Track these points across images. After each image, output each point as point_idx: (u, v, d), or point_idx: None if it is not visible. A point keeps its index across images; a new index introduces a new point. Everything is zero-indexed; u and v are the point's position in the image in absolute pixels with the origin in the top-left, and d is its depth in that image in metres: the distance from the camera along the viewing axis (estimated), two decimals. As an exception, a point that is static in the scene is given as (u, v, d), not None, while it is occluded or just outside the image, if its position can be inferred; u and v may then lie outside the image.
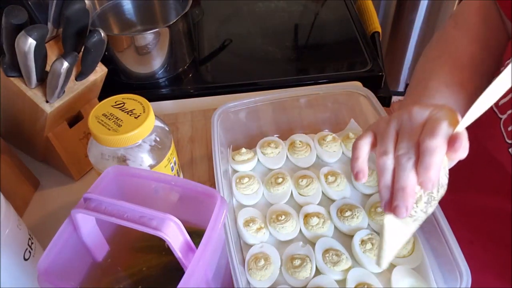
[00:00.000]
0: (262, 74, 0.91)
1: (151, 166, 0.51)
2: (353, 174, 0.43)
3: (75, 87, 0.59)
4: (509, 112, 0.50)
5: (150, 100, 0.51)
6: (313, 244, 0.54)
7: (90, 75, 0.60)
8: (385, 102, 0.88)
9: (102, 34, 0.54)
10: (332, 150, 0.66)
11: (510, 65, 0.36)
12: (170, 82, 0.90)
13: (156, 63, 0.87)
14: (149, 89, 0.88)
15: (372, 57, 0.91)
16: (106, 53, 0.70)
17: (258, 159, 0.66)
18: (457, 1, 1.83)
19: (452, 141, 0.37)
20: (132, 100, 0.50)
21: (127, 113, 0.49)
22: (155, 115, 0.51)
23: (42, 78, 0.55)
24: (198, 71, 0.93)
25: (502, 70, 0.36)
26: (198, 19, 1.06)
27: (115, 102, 0.50)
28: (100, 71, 0.61)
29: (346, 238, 0.56)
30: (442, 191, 0.41)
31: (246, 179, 0.61)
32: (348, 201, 0.59)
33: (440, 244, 0.48)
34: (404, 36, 1.97)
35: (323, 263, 0.52)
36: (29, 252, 0.47)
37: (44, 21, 0.55)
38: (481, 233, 0.58)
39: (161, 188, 0.43)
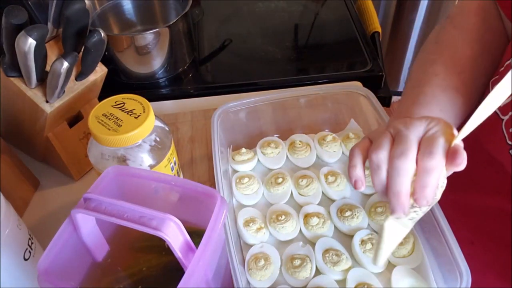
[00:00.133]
0: (262, 74, 0.91)
1: (151, 166, 0.51)
2: (351, 182, 0.44)
3: (75, 87, 0.59)
4: (510, 113, 0.50)
5: (150, 100, 0.51)
6: (313, 244, 0.54)
7: (90, 75, 0.60)
8: (385, 102, 0.88)
9: (102, 34, 0.54)
10: (332, 150, 0.66)
11: (506, 77, 0.36)
12: (170, 82, 0.90)
13: (156, 63, 0.87)
14: (149, 89, 0.88)
15: (372, 57, 0.91)
16: (106, 53, 0.71)
17: (258, 159, 0.66)
18: (457, 1, 1.83)
19: (452, 155, 0.38)
20: (132, 100, 0.50)
21: (127, 113, 0.49)
22: (155, 115, 0.51)
23: (42, 78, 0.55)
24: (198, 71, 0.93)
25: (501, 71, 0.36)
26: (198, 19, 1.06)
27: (115, 102, 0.50)
28: (100, 71, 0.61)
29: (346, 238, 0.56)
30: (441, 190, 0.41)
31: (246, 179, 0.61)
32: (348, 201, 0.59)
33: (440, 244, 0.48)
34: (404, 36, 1.97)
35: (323, 263, 0.52)
36: (29, 252, 0.47)
37: (44, 21, 0.55)
38: (481, 233, 0.58)
39: (161, 188, 0.43)
